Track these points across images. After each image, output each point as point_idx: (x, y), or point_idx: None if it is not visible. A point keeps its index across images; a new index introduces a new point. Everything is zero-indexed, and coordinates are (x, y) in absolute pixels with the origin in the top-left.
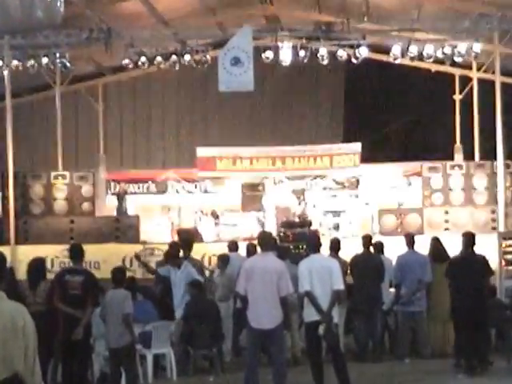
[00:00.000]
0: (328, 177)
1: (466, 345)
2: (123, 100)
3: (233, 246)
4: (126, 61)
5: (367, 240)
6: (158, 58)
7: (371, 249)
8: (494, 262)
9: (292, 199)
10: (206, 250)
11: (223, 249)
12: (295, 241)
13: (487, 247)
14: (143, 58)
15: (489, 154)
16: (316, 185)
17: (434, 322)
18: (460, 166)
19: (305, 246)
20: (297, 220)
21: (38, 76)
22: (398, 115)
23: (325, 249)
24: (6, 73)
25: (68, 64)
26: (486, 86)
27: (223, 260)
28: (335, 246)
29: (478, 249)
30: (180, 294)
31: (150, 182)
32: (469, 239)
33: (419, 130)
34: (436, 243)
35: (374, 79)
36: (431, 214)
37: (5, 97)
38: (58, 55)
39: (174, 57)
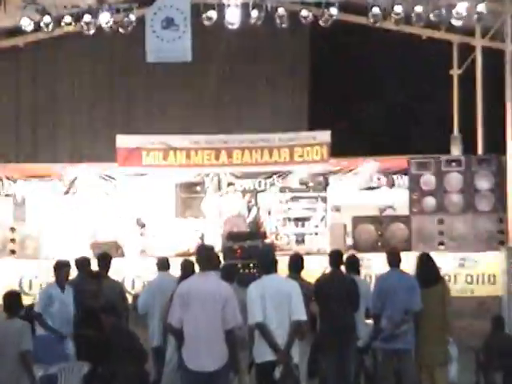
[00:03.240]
0: (288, 174)
1: None
2: (20, 72)
3: (163, 263)
4: (25, 21)
5: (337, 256)
6: (67, 19)
7: (342, 268)
8: (501, 285)
9: (241, 203)
10: (129, 269)
11: (151, 267)
12: (244, 257)
13: (492, 266)
14: (47, 18)
15: (495, 145)
16: (272, 185)
17: (419, 366)
18: (458, 162)
19: (256, 265)
20: (247, 230)
21: None
22: (378, 95)
23: (283, 268)
24: None
25: None
26: (493, 58)
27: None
28: (296, 264)
29: (481, 269)
30: (60, 322)
31: (55, 180)
32: None
33: (406, 114)
34: (424, 261)
35: (348, 48)
36: (421, 224)
37: None
38: None
39: (87, 17)
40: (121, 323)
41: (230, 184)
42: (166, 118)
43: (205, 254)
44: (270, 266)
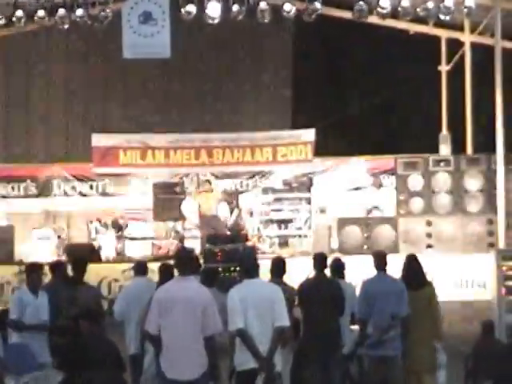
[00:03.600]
0: (270, 175)
1: None
2: None
3: (140, 267)
4: None
5: (321, 260)
6: (40, 13)
7: (327, 271)
8: (491, 289)
9: (221, 205)
10: (106, 273)
11: (128, 271)
12: (225, 261)
13: (482, 269)
14: (19, 12)
15: (485, 144)
16: (254, 185)
17: (406, 372)
18: (447, 161)
19: (238, 268)
20: (228, 233)
21: None
22: (364, 93)
23: (265, 272)
24: None
25: None
26: (483, 54)
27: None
28: (278, 267)
29: (471, 272)
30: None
31: (28, 181)
32: None
33: (393, 112)
34: (411, 263)
35: (333, 44)
36: (408, 226)
37: None
38: None
39: (61, 11)
40: (98, 329)
41: (206, 181)
42: (144, 116)
43: (184, 258)
44: (252, 270)
